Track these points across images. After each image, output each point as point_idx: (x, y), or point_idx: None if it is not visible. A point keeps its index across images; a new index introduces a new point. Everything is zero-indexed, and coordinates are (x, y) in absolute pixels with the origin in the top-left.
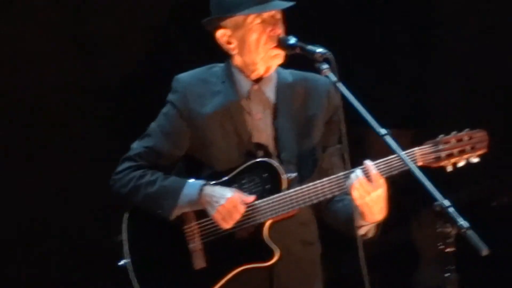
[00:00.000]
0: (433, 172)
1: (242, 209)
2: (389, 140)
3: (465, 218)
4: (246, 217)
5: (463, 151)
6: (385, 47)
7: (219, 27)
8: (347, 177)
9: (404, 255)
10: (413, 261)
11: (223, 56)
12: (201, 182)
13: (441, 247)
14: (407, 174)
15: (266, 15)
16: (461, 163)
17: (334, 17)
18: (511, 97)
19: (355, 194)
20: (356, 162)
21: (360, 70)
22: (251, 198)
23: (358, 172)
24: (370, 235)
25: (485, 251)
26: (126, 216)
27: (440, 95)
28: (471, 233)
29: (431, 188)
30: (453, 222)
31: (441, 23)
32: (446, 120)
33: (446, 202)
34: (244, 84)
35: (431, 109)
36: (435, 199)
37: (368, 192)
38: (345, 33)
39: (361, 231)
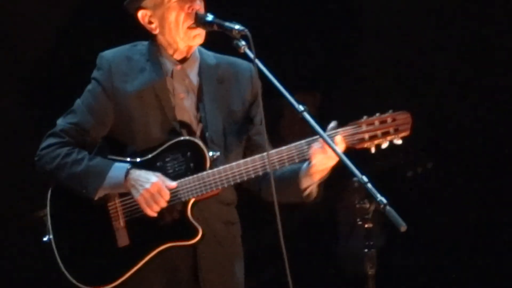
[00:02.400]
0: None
1: (166, 194)
2: (308, 117)
3: (381, 190)
4: (170, 196)
5: (386, 133)
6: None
7: (140, 8)
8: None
9: (325, 228)
10: (334, 233)
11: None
12: (127, 165)
13: (360, 222)
14: None
15: None
16: (384, 145)
17: None
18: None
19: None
20: (277, 137)
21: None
22: (173, 183)
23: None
24: (313, 196)
25: (403, 227)
26: (49, 191)
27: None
28: (389, 209)
29: (350, 164)
30: (372, 198)
31: None
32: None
33: (365, 178)
34: (168, 63)
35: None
36: (354, 175)
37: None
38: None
39: (306, 193)
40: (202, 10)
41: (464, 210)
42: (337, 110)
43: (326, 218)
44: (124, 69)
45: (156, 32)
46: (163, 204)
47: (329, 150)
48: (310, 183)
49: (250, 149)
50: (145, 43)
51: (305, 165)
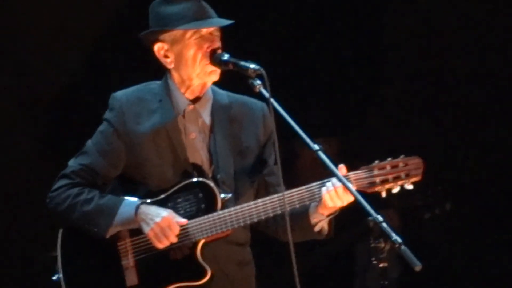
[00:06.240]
0: None
1: (176, 229)
2: (323, 156)
3: (398, 231)
4: (179, 236)
5: (397, 178)
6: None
7: (157, 40)
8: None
9: (340, 267)
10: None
11: (159, 72)
12: (137, 200)
13: (374, 262)
14: None
15: (204, 31)
16: (395, 189)
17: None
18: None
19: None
20: (291, 177)
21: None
22: (184, 220)
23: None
24: (324, 232)
25: (418, 267)
26: (60, 231)
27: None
28: (404, 249)
29: (365, 203)
30: (387, 237)
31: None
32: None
33: (380, 218)
34: (180, 103)
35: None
36: (369, 214)
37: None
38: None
39: (316, 229)
40: (220, 50)
41: (482, 252)
42: (351, 153)
43: (342, 258)
44: (136, 110)
45: (171, 66)
46: (173, 238)
47: (340, 192)
48: (320, 218)
49: (263, 189)
50: (158, 82)
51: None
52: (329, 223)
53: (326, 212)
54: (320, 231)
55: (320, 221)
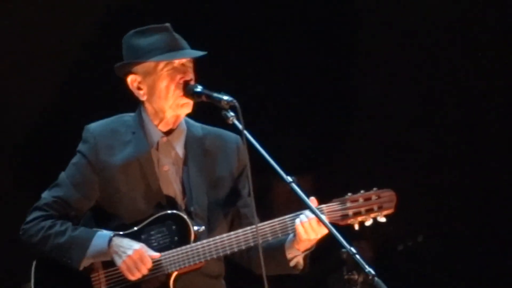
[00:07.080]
0: None
1: (148, 262)
2: (296, 188)
3: (371, 263)
4: (152, 268)
5: (370, 210)
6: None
7: (130, 72)
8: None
9: None
10: None
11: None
12: (110, 233)
13: None
14: None
15: (176, 62)
16: (368, 222)
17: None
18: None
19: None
20: (266, 209)
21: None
22: (156, 254)
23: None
24: (299, 267)
25: None
26: (34, 263)
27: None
28: (378, 281)
29: (338, 235)
30: (360, 269)
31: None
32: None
33: (353, 249)
34: (154, 134)
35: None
36: (342, 246)
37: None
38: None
39: (292, 263)
40: (193, 82)
41: (454, 285)
42: (324, 186)
43: None
44: (110, 142)
45: (144, 98)
46: (145, 271)
47: (314, 224)
48: (296, 254)
49: (237, 221)
50: (132, 114)
51: (291, 235)
52: (305, 258)
53: (302, 248)
54: (295, 266)
55: (296, 257)
